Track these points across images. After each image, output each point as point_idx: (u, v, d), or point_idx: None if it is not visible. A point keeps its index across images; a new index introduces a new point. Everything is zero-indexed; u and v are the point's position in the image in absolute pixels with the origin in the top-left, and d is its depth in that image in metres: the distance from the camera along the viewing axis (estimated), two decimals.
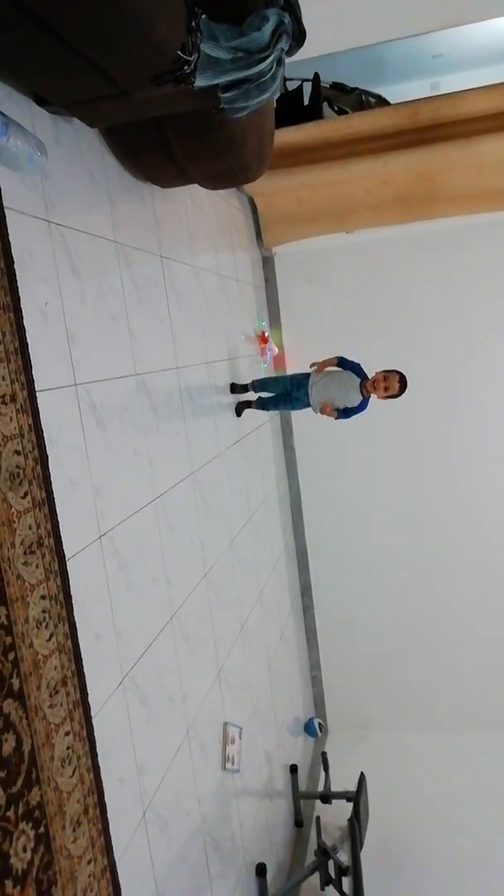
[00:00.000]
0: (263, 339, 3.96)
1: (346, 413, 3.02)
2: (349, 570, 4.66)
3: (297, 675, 4.37)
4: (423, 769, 4.26)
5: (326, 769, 3.96)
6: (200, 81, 1.57)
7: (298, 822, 3.84)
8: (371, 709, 4.77)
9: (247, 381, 3.35)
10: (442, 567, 4.50)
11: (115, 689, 1.87)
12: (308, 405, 3.11)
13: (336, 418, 3.04)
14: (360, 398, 2.97)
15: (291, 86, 4.05)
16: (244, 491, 3.42)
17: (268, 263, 4.32)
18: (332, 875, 3.11)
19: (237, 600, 3.13)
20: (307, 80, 3.93)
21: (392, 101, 4.01)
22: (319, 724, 4.63)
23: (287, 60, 1.81)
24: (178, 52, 1.45)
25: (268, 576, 3.79)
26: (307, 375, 3.10)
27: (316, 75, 3.87)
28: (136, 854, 1.92)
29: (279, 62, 1.72)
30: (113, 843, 1.75)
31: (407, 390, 2.93)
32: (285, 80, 3.96)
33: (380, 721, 4.74)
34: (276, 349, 4.18)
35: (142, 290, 2.27)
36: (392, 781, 4.06)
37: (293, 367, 4.10)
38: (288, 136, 3.56)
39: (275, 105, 2.57)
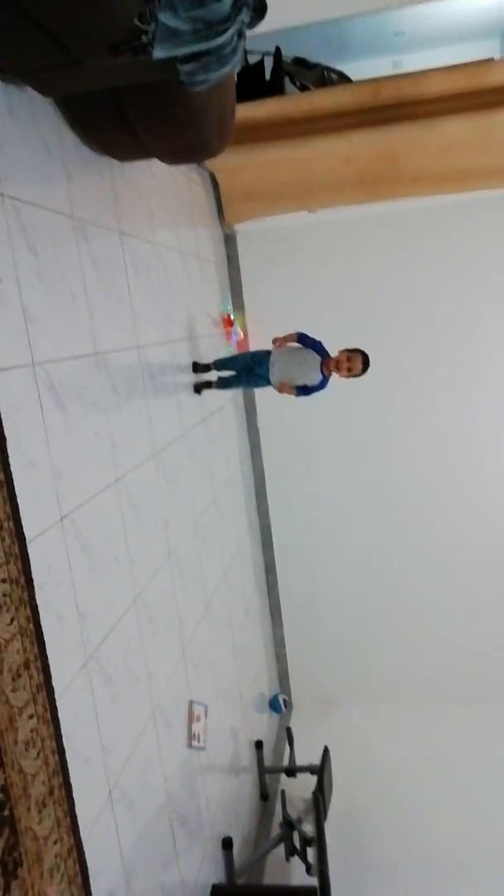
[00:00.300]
0: (229, 323, 3.93)
1: (305, 391, 3.02)
2: (312, 547, 4.71)
3: (261, 653, 4.42)
4: (385, 742, 4.36)
5: (291, 744, 4.03)
6: (159, 52, 1.53)
7: (264, 796, 3.91)
8: (335, 684, 4.86)
9: (209, 360, 3.33)
10: (404, 542, 4.58)
11: (79, 671, 1.86)
12: (270, 383, 3.10)
13: (296, 396, 3.04)
14: (321, 377, 2.96)
15: (252, 59, 3.98)
16: (208, 471, 3.41)
17: (230, 241, 4.28)
18: (297, 846, 3.18)
19: (202, 580, 3.14)
20: (268, 54, 3.88)
21: (354, 79, 3.98)
22: (284, 700, 4.69)
23: (248, 33, 1.78)
24: (136, 22, 1.41)
25: (232, 555, 3.81)
26: (268, 353, 3.09)
27: (277, 49, 3.82)
28: (103, 833, 1.92)
29: (240, 35, 1.69)
30: (79, 823, 1.76)
31: (369, 370, 2.94)
32: (246, 53, 3.90)
33: (343, 696, 4.83)
34: (242, 334, 4.16)
35: (101, 268, 2.23)
36: (355, 754, 4.15)
37: (256, 348, 4.09)
38: (249, 111, 3.51)
39: (236, 79, 2.53)
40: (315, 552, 4.71)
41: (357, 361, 2.90)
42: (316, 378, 2.97)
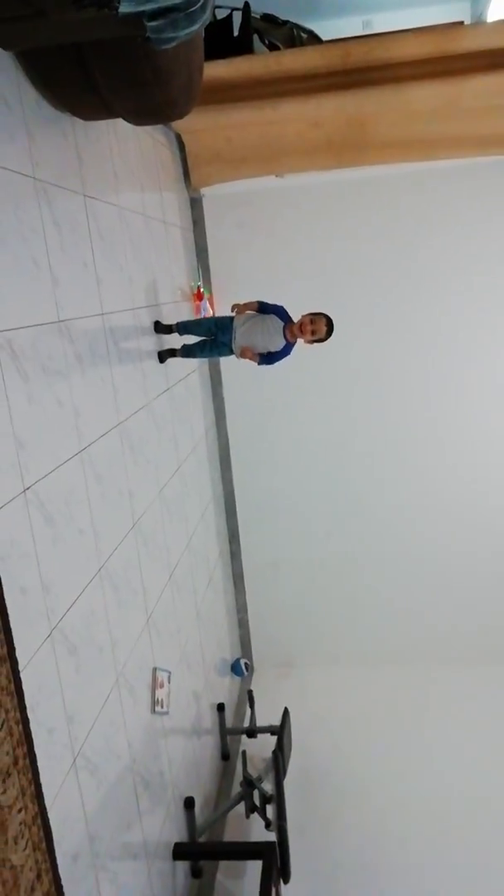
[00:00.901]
0: (199, 297, 3.87)
1: (268, 358, 2.99)
2: (275, 515, 4.76)
3: (224, 619, 4.48)
4: (343, 702, 4.50)
5: (252, 706, 4.12)
6: (125, 7, 1.46)
7: (225, 756, 4.01)
8: (295, 648, 4.97)
9: (171, 322, 3.26)
10: (365, 508, 4.66)
11: (43, 642, 1.86)
12: (233, 352, 3.07)
13: (258, 363, 3.01)
14: (284, 342, 2.93)
15: (221, 14, 3.86)
16: (173, 440, 3.39)
17: (196, 205, 4.19)
18: (257, 804, 3.28)
19: (166, 549, 3.15)
20: (237, 10, 3.76)
21: (324, 38, 3.90)
22: (245, 664, 4.78)
23: None
24: None
25: (196, 524, 3.82)
26: (232, 318, 3.04)
27: (246, 5, 3.70)
28: (67, 799, 1.95)
29: None
30: (43, 791, 1.78)
31: (334, 335, 2.93)
32: (214, 8, 3.77)
33: (303, 659, 4.95)
34: (212, 310, 4.10)
35: (64, 232, 2.16)
36: (314, 715, 4.28)
37: (222, 312, 4.05)
38: (217, 70, 3.41)
39: (203, 35, 2.44)
40: (278, 520, 4.77)
41: (321, 325, 2.86)
42: (279, 343, 2.93)
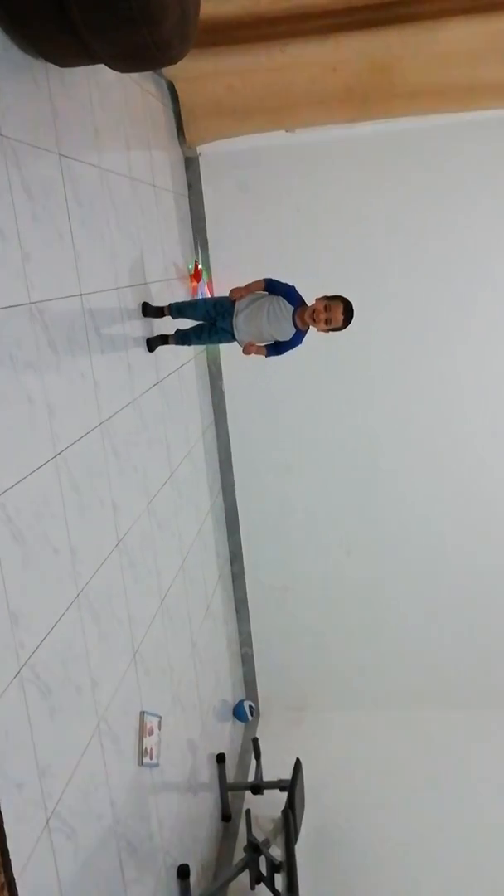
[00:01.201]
0: (197, 277, 3.87)
1: (276, 349, 2.98)
2: (285, 531, 4.76)
3: (225, 653, 4.48)
4: (365, 752, 4.49)
5: (258, 756, 4.12)
6: None
7: (226, 816, 4.00)
8: (308, 688, 4.96)
9: (163, 303, 3.26)
10: (391, 524, 4.66)
11: (10, 682, 1.86)
12: (235, 338, 3.06)
13: (266, 356, 3.00)
14: (294, 330, 2.91)
15: None
16: (164, 443, 3.40)
17: (191, 165, 4.20)
18: (264, 872, 3.27)
19: (156, 571, 3.15)
20: None
21: None
22: (250, 706, 4.78)
23: None
24: None
25: (192, 541, 3.82)
26: (234, 302, 3.03)
27: None
28: (39, 866, 1.95)
29: None
30: (11, 858, 1.77)
31: (353, 322, 2.91)
32: None
33: (318, 701, 4.94)
34: (209, 293, 4.10)
35: (36, 198, 2.16)
36: (331, 767, 4.28)
37: (221, 293, 4.06)
38: (217, 7, 3.41)
39: None
40: (288, 536, 4.76)
41: (337, 312, 2.84)
42: (288, 332, 2.92)
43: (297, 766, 3.80)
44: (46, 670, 2.05)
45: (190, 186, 4.22)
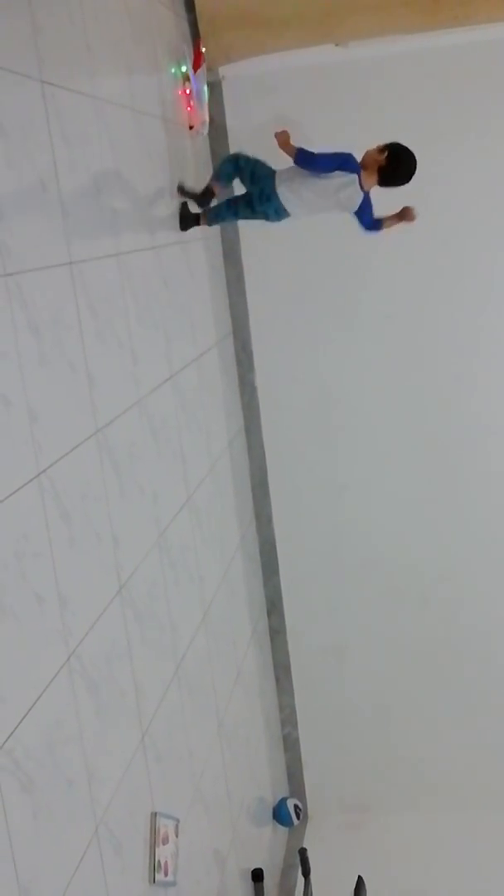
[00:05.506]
0: (187, 95, 3.80)
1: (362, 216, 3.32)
2: (339, 572, 4.74)
3: (261, 735, 4.46)
4: (443, 866, 4.44)
5: (306, 873, 4.08)
6: None
7: None
8: (370, 782, 4.92)
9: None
10: (482, 568, 4.61)
11: None
12: (282, 214, 3.38)
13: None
14: (361, 195, 3.25)
15: None
16: (178, 456, 3.41)
17: (213, 91, 4.21)
18: None
19: (170, 625, 3.15)
20: None
21: None
22: (296, 806, 4.73)
23: None
24: None
25: (216, 587, 3.81)
26: (271, 174, 3.35)
27: None
28: None
29: None
30: None
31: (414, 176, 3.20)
32: None
33: (382, 799, 4.90)
34: (208, 117, 4.02)
35: (12, 137, 2.19)
36: (402, 886, 4.22)
37: None
38: None
39: None
40: (342, 581, 4.74)
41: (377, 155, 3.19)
42: (355, 199, 3.24)
43: (360, 885, 3.76)
44: (28, 758, 2.05)
45: (211, 120, 4.23)
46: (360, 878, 3.80)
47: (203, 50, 3.89)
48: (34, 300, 2.26)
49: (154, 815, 2.82)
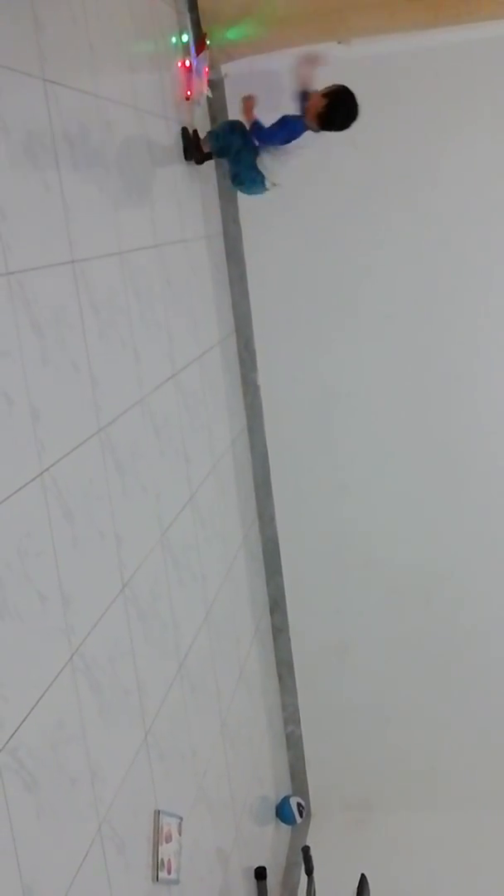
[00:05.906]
0: (187, 66, 3.78)
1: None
2: (342, 571, 4.74)
3: (264, 734, 4.46)
4: (447, 864, 4.43)
5: (309, 871, 4.07)
6: None
7: None
8: (373, 781, 4.92)
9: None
10: (487, 566, 4.61)
11: None
12: (264, 185, 3.57)
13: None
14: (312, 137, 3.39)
15: None
16: (181, 455, 3.41)
17: (215, 90, 4.21)
18: None
19: (172, 624, 3.15)
20: None
21: None
22: (299, 804, 4.73)
23: None
24: None
25: (219, 585, 3.82)
26: (254, 150, 3.49)
27: None
28: None
29: None
30: None
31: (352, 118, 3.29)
32: None
33: (386, 798, 4.90)
34: (207, 85, 3.99)
35: (13, 136, 2.19)
36: (406, 884, 4.22)
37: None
38: None
39: None
40: (346, 580, 4.74)
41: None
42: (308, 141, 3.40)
43: (363, 883, 3.76)
44: (31, 757, 2.05)
45: (212, 119, 4.23)
46: (363, 875, 3.80)
47: (208, 42, 3.88)
48: (36, 299, 2.26)
49: (157, 813, 2.82)
